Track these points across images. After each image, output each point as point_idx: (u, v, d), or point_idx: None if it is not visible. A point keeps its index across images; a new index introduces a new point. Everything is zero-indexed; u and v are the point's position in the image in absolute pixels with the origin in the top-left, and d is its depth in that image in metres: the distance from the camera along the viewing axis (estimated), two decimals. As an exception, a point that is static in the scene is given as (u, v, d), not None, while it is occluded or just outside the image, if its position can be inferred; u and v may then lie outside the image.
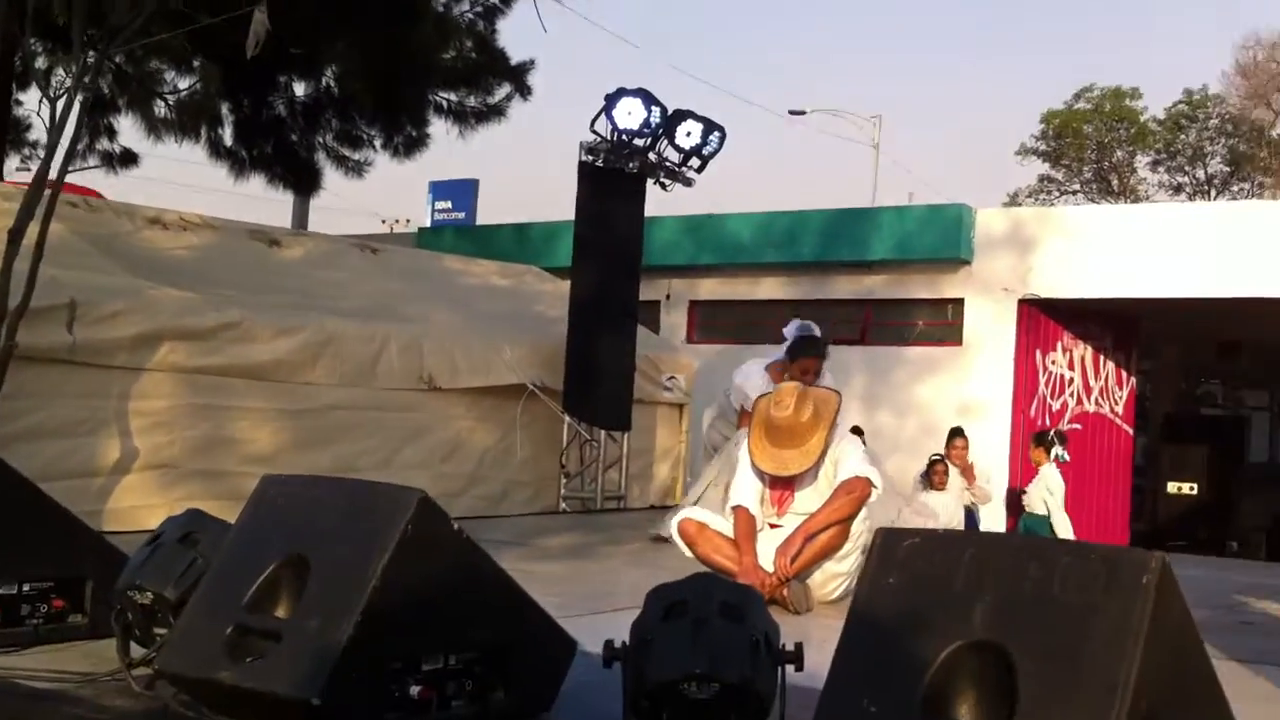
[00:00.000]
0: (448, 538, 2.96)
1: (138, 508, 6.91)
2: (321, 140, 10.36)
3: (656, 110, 8.77)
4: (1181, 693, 2.18)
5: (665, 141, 9.09)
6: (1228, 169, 39.84)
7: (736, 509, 5.49)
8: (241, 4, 5.83)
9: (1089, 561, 2.13)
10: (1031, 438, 11.90)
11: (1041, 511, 10.97)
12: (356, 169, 10.48)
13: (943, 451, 11.52)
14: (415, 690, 2.89)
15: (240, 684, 2.94)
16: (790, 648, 2.80)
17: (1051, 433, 11.91)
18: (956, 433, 11.63)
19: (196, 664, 3.06)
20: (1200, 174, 40.39)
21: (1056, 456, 11.28)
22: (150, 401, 7.14)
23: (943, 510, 10.89)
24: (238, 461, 7.47)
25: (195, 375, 7.30)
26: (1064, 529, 10.74)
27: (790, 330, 7.18)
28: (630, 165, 9.19)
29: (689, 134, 9.07)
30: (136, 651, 3.46)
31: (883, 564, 2.33)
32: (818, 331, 7.22)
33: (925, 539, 2.33)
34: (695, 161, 9.30)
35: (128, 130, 9.74)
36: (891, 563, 2.31)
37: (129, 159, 10.06)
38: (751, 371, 7.25)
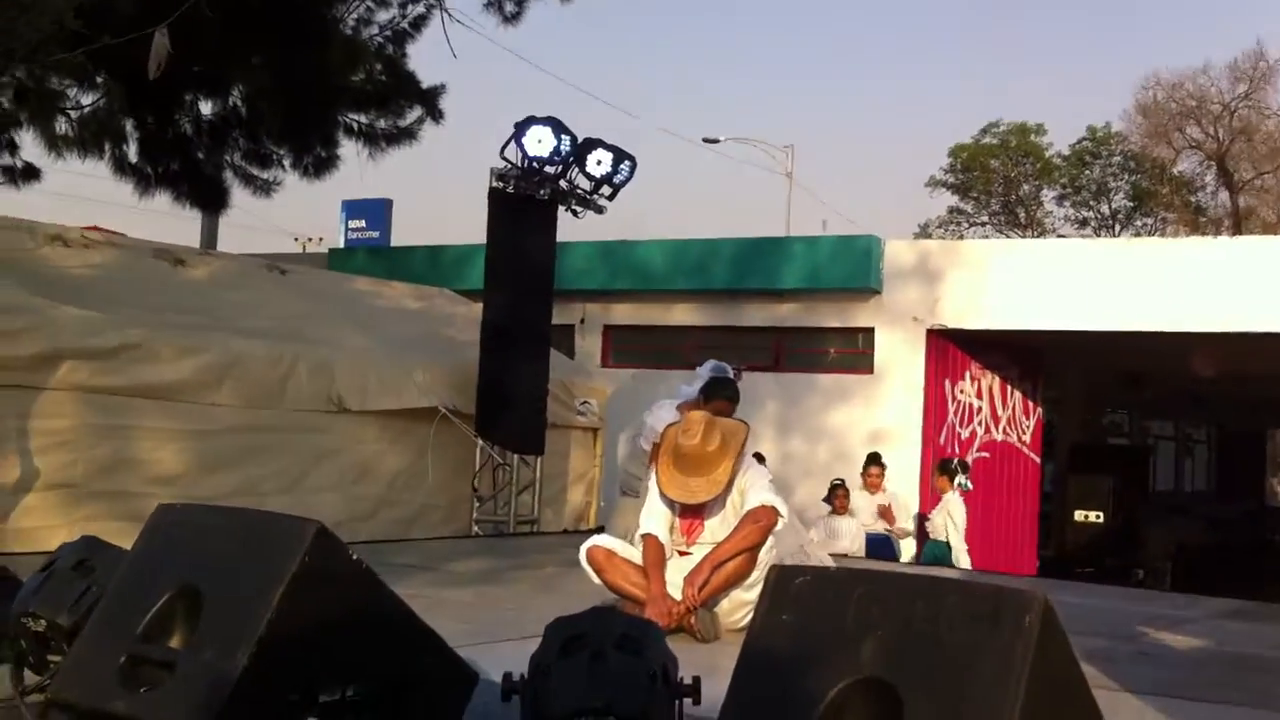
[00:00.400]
0: (346, 569, 2.94)
1: (39, 528, 6.81)
2: (229, 159, 10.23)
3: (567, 139, 8.81)
4: (1064, 729, 2.23)
5: (576, 169, 9.12)
6: (1131, 204, 40.87)
7: (646, 537, 5.50)
8: (142, 25, 5.76)
9: (974, 600, 2.18)
10: (935, 465, 12.08)
11: (944, 538, 11.14)
12: (265, 188, 10.37)
13: (861, 478, 11.67)
14: (311, 723, 2.86)
15: (133, 714, 2.89)
16: (689, 680, 2.81)
17: (955, 461, 12.10)
18: (873, 459, 11.77)
19: (89, 693, 3.01)
20: (1105, 209, 41.38)
21: (960, 485, 11.45)
22: (51, 421, 7.02)
23: (845, 534, 11.02)
24: (141, 482, 7.37)
25: (97, 395, 7.20)
26: (964, 558, 10.90)
27: (704, 370, 7.22)
28: (541, 192, 9.21)
29: (599, 162, 9.12)
30: (30, 679, 3.38)
31: (776, 601, 2.36)
32: (731, 373, 7.27)
33: (817, 576, 2.37)
34: (606, 189, 9.34)
35: (29, 145, 9.55)
36: (785, 600, 2.34)
37: (31, 174, 9.84)
38: (662, 412, 7.26)
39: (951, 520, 11.09)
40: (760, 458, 11.97)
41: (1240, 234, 32.31)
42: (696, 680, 2.79)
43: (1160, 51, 70.04)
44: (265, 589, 2.81)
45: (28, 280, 7.34)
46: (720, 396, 6.80)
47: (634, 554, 5.54)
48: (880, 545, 11.15)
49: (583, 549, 5.62)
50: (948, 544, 11.04)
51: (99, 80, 9.27)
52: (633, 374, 15.10)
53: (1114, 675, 4.58)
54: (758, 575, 5.39)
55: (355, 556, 2.97)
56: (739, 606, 5.41)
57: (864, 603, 2.24)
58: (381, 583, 3.06)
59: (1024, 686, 2.06)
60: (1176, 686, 4.62)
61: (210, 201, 10.86)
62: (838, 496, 11.28)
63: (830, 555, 10.47)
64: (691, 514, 5.53)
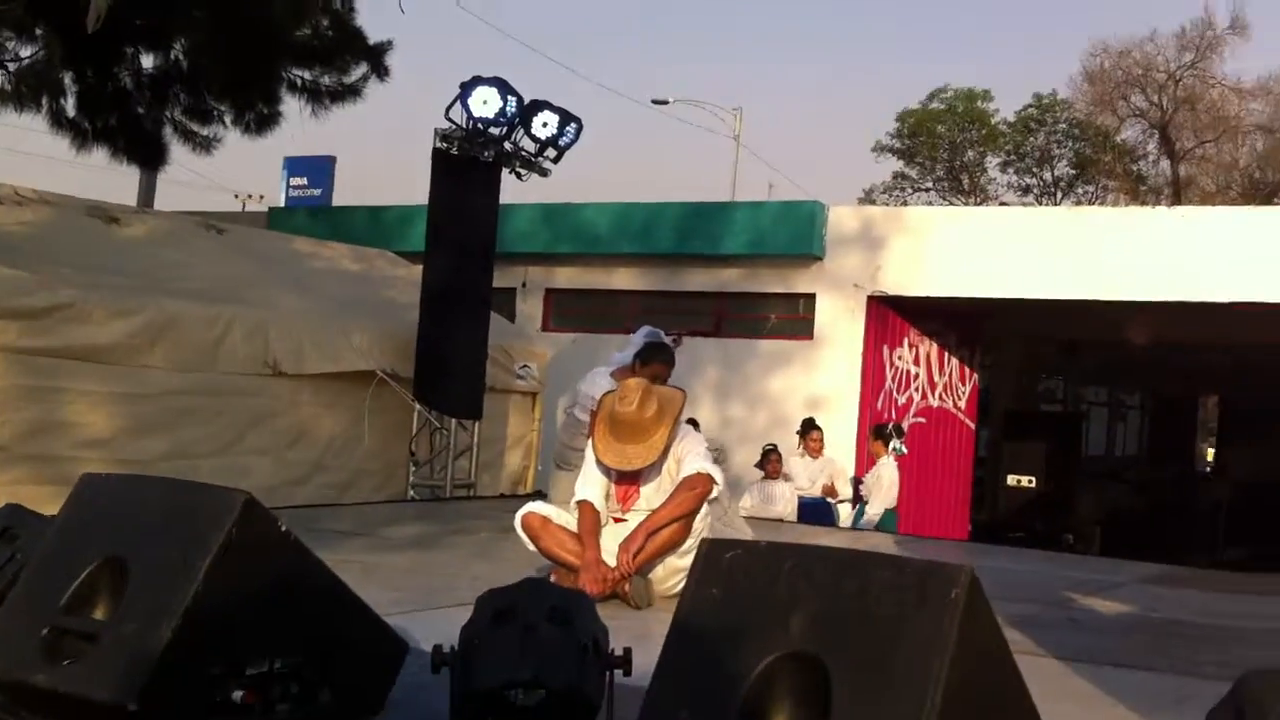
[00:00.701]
0: (274, 540, 2.91)
1: (-36, 492, 6.67)
2: (169, 114, 10.03)
3: (513, 100, 8.73)
4: (990, 705, 2.25)
5: (521, 131, 9.04)
6: (1074, 172, 41.25)
7: (581, 503, 5.50)
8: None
9: (902, 575, 2.19)
10: (870, 430, 12.14)
11: (890, 504, 11.24)
12: (205, 145, 10.18)
13: (800, 442, 11.74)
14: (238, 695, 2.82)
15: (56, 687, 2.84)
16: (620, 651, 2.81)
17: (890, 426, 12.19)
18: (810, 424, 11.83)
19: (11, 666, 2.95)
20: (1048, 176, 41.75)
21: (894, 449, 11.55)
22: (-22, 383, 6.88)
23: (779, 499, 11.11)
24: (71, 446, 7.26)
25: (26, 356, 7.06)
26: (873, 518, 11.03)
27: (638, 337, 7.23)
28: (486, 154, 9.13)
29: (545, 124, 9.04)
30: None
31: (705, 575, 2.36)
32: (666, 339, 7.28)
33: (747, 550, 2.37)
34: (551, 152, 9.27)
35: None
36: (715, 574, 2.34)
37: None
38: (598, 379, 7.26)
39: (880, 484, 11.19)
40: (694, 424, 12.05)
41: (1179, 203, 32.75)
42: (627, 652, 2.80)
43: (1109, 19, 70.62)
44: (192, 560, 2.77)
45: (-46, 238, 7.19)
46: (656, 361, 6.82)
47: (570, 520, 5.54)
48: (818, 510, 11.24)
49: (518, 515, 5.61)
50: (887, 510, 11.15)
51: (38, 33, 9.06)
52: (574, 338, 15.08)
53: (1042, 641, 4.65)
54: (692, 543, 5.40)
55: (284, 527, 2.93)
56: (673, 573, 5.43)
57: (793, 577, 2.25)
58: (310, 553, 3.03)
59: (949, 660, 2.08)
60: (1103, 653, 4.70)
61: (149, 158, 10.66)
62: (770, 461, 11.36)
63: (766, 520, 10.64)
64: (627, 481, 5.54)
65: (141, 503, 3.01)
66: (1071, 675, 4.15)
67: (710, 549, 2.42)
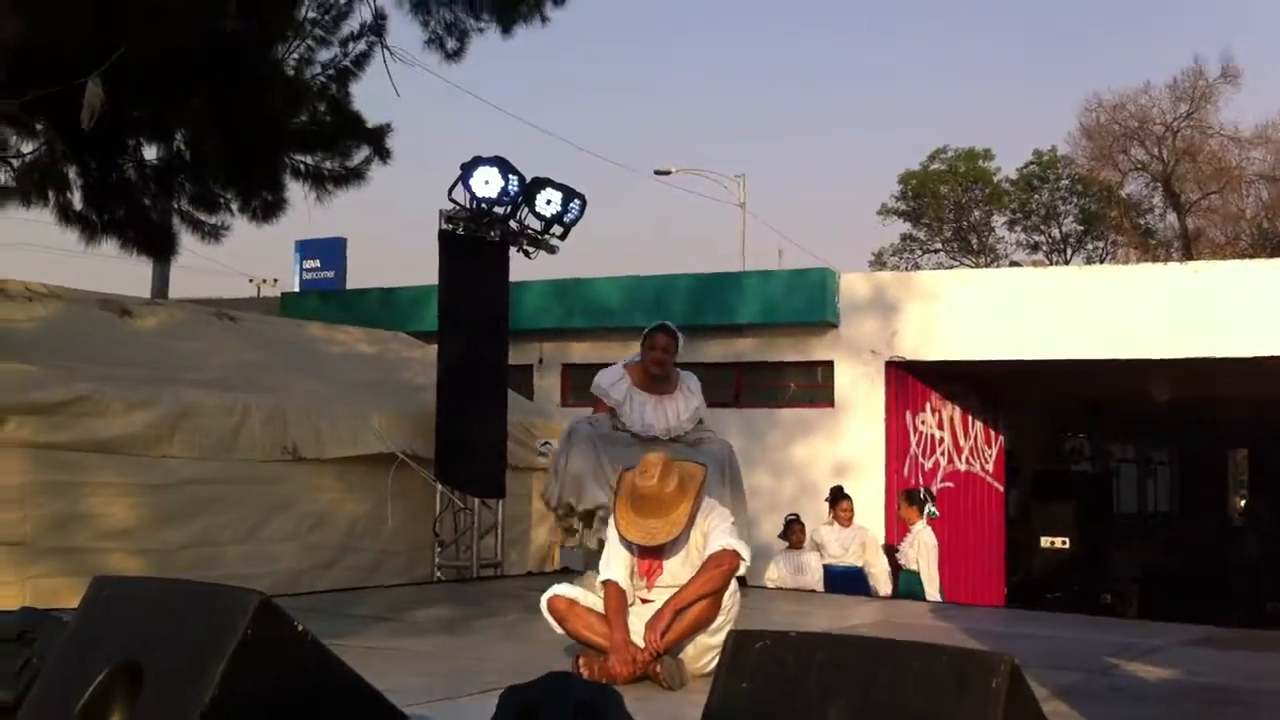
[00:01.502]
0: (291, 640, 2.83)
1: (-10, 588, 6.63)
2: (176, 204, 10.07)
3: (514, 179, 8.72)
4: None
5: (526, 209, 9.03)
6: (1081, 228, 41.27)
7: (607, 583, 5.41)
8: (76, 74, 5.63)
9: (938, 665, 2.10)
10: (901, 495, 11.99)
11: (915, 568, 11.07)
12: (213, 233, 10.21)
13: (829, 510, 11.61)
14: (258, 802, 2.75)
15: (71, 799, 2.77)
16: (650, 745, 2.72)
17: (922, 491, 12.05)
18: (839, 492, 11.70)
19: (26, 776, 2.89)
20: (1056, 233, 41.78)
21: (929, 514, 11.41)
22: (-1, 478, 6.85)
23: (809, 569, 10.98)
24: (93, 538, 7.22)
25: (45, 451, 7.03)
26: (933, 589, 10.83)
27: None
28: (491, 233, 9.12)
29: (549, 202, 9.03)
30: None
31: (734, 667, 2.27)
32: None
33: (776, 641, 2.28)
34: (558, 229, 9.26)
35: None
36: (744, 666, 2.25)
37: (-26, 225, 9.68)
38: (610, 371, 7.42)
39: (925, 550, 11.01)
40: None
41: (1190, 255, 32.70)
42: (658, 746, 2.70)
43: (1103, 72, 71.01)
44: (207, 664, 2.70)
45: (-31, 335, 7.20)
46: (659, 332, 7.13)
47: (596, 602, 5.45)
48: (852, 580, 11.07)
49: (544, 598, 5.52)
50: (919, 574, 10.97)
51: (38, 128, 9.13)
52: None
53: (1087, 713, 4.52)
54: (722, 620, 5.32)
55: (300, 626, 2.86)
56: (705, 652, 5.33)
57: (824, 669, 2.16)
58: (329, 652, 2.95)
59: (994, 753, 1.99)
60: (1150, 723, 4.56)
61: (158, 248, 10.69)
62: (794, 532, 11.24)
63: (798, 590, 10.49)
64: (650, 555, 5.45)
65: (155, 605, 2.95)
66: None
67: (738, 640, 2.34)
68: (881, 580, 11.30)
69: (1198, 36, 63.73)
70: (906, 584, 11.02)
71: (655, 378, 7.35)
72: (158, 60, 7.47)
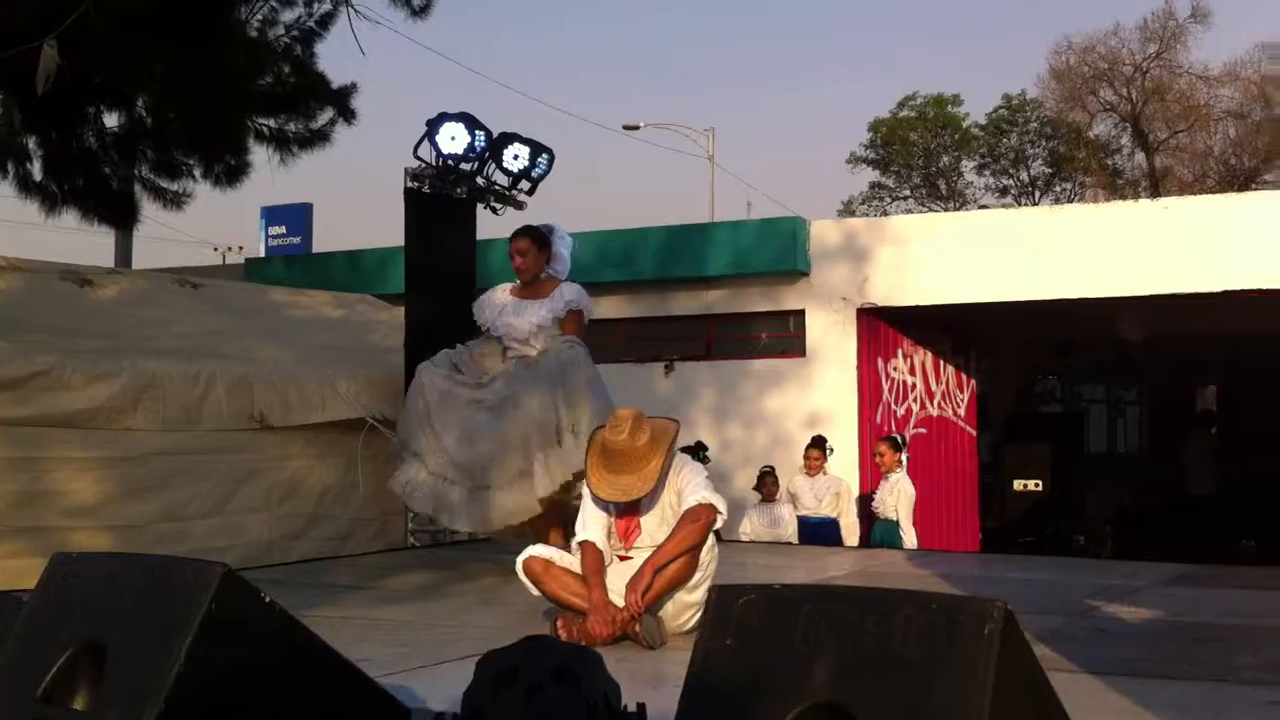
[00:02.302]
0: (258, 612, 2.74)
1: (-45, 569, 6.50)
2: (137, 172, 9.87)
3: (481, 134, 8.57)
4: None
5: (492, 165, 8.90)
6: (1049, 170, 41.33)
7: (583, 544, 5.34)
8: (29, 38, 5.46)
9: (929, 613, 2.03)
10: (883, 442, 11.78)
11: (894, 517, 10.96)
12: (176, 200, 10.02)
13: (803, 462, 11.53)
14: (230, 779, 2.67)
15: (37, 783, 2.68)
16: (634, 708, 2.65)
17: (898, 436, 11.95)
18: (813, 443, 11.58)
19: (-10, 762, 2.80)
20: (1024, 176, 41.82)
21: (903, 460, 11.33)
22: (-41, 457, 6.72)
23: (784, 520, 10.93)
24: (60, 515, 7.09)
25: (7, 427, 6.89)
26: (910, 537, 10.77)
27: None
28: (458, 190, 8.97)
29: (516, 157, 8.88)
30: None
31: (718, 624, 2.20)
32: (553, 229, 7.49)
33: (760, 595, 2.20)
34: (525, 184, 9.12)
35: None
36: (727, 622, 2.18)
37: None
38: (495, 288, 7.44)
39: (901, 499, 10.90)
40: (702, 446, 11.83)
41: (1158, 194, 32.76)
42: (641, 708, 2.63)
43: (1072, 15, 70.95)
44: (170, 640, 2.60)
45: (-74, 311, 7.03)
46: (514, 237, 7.17)
47: (572, 562, 5.38)
48: (827, 530, 11.01)
49: (519, 560, 5.45)
50: (897, 523, 10.90)
51: (-5, 98, 8.93)
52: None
53: (1072, 656, 4.50)
54: (700, 576, 5.26)
55: (268, 598, 2.77)
56: (684, 609, 5.28)
57: (812, 621, 2.09)
58: (299, 623, 2.86)
59: (988, 702, 1.92)
60: (1136, 664, 4.54)
61: (120, 217, 10.50)
62: (766, 484, 11.18)
63: (773, 544, 10.46)
64: (628, 514, 5.38)
65: (115, 582, 2.84)
66: (1107, 691, 3.99)
67: (720, 595, 2.26)
68: (849, 532, 11.23)
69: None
70: (885, 533, 10.90)
71: (526, 284, 7.25)
72: (118, 22, 7.27)
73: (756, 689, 2.09)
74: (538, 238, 7.25)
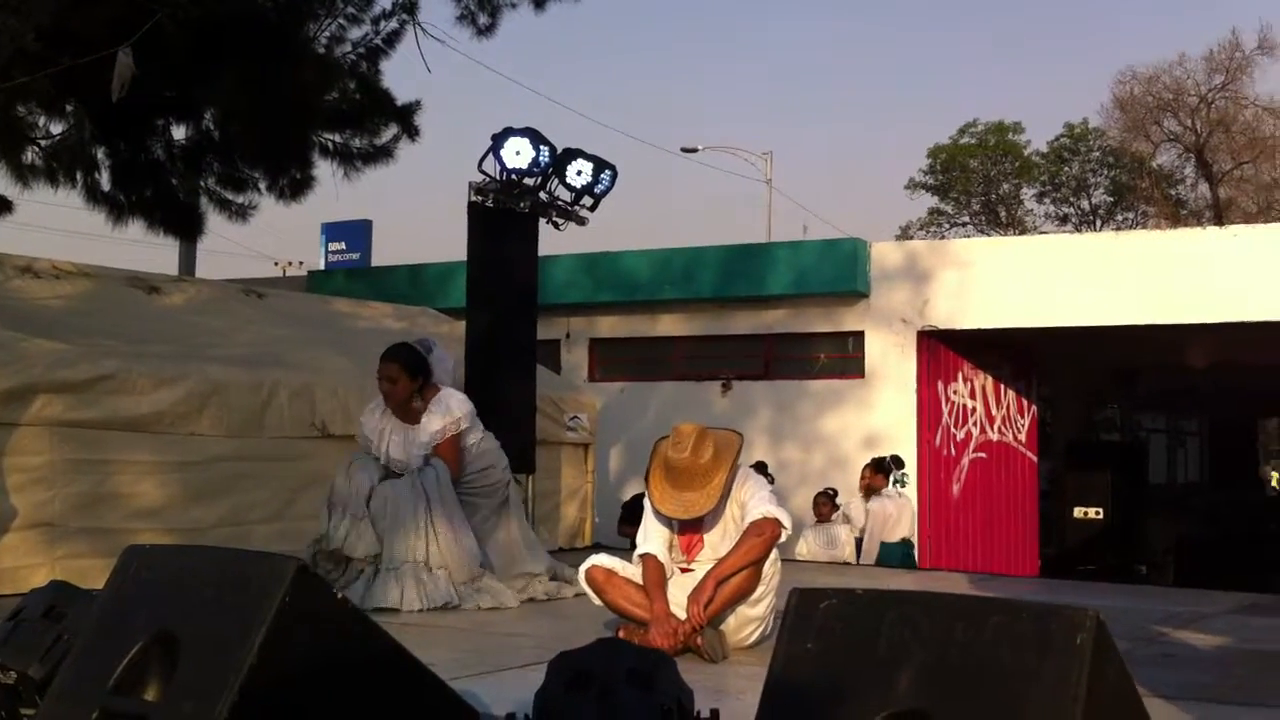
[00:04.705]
0: (330, 608, 2.74)
1: (20, 568, 6.57)
2: (203, 184, 10.01)
3: (545, 149, 8.59)
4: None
5: (556, 181, 8.92)
6: (1111, 199, 40.91)
7: (644, 557, 5.31)
8: (102, 46, 5.54)
9: (1019, 621, 1.98)
10: (871, 464, 11.61)
11: (891, 539, 10.88)
12: (240, 213, 10.15)
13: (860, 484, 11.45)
14: (299, 774, 2.66)
15: (106, 774, 2.69)
16: (706, 714, 2.62)
17: (889, 458, 11.80)
18: (876, 465, 11.50)
19: (60, 753, 2.80)
20: (1085, 204, 41.42)
21: (897, 482, 11.23)
22: (26, 458, 6.79)
23: (841, 541, 10.86)
24: (123, 517, 7.15)
25: (72, 429, 6.96)
26: (870, 559, 10.68)
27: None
28: (521, 205, 9.00)
29: (580, 173, 8.90)
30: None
31: (799, 628, 2.16)
32: (431, 349, 7.12)
33: (843, 599, 2.17)
34: (587, 200, 9.14)
35: (-1, 178, 9.33)
36: (809, 626, 2.14)
37: (3, 206, 9.59)
38: (373, 403, 7.03)
39: (879, 519, 10.86)
40: (763, 466, 11.78)
41: (1222, 225, 32.29)
42: (714, 714, 2.60)
43: (1136, 45, 70.32)
44: (245, 633, 2.60)
45: (-2, 313, 7.13)
46: (382, 361, 6.73)
47: (635, 573, 5.35)
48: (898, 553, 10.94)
49: (581, 569, 5.43)
50: (897, 544, 10.83)
51: (68, 109, 9.07)
52: (621, 387, 14.90)
53: (1142, 680, 4.38)
54: (763, 590, 5.22)
55: (340, 594, 2.76)
56: (746, 623, 5.24)
57: (896, 628, 2.05)
58: (369, 620, 2.86)
59: (1081, 713, 1.87)
60: (1207, 689, 4.45)
61: (185, 228, 10.65)
62: (820, 505, 11.11)
63: (831, 563, 10.37)
64: (690, 530, 5.35)
65: (189, 574, 2.85)
66: (1180, 714, 3.91)
67: (801, 599, 2.22)
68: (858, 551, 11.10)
69: (1234, 8, 62.89)
70: (887, 555, 10.78)
71: (398, 407, 6.87)
72: (189, 34, 7.37)
73: (838, 694, 2.05)
74: (408, 365, 6.81)
